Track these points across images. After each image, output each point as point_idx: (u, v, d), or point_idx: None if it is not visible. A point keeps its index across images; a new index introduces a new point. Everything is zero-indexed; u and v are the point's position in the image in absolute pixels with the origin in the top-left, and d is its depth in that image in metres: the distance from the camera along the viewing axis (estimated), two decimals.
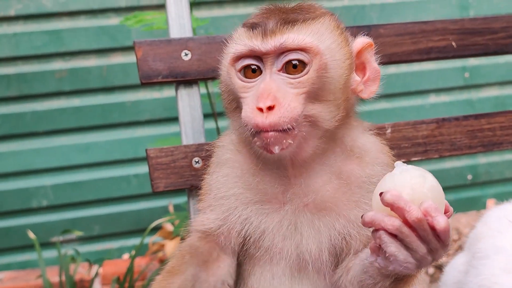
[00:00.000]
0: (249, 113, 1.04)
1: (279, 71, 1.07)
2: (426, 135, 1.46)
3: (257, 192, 1.13)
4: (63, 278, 2.15)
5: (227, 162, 1.17)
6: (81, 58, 2.68)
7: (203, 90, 2.04)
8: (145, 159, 2.66)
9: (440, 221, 0.90)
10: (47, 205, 2.68)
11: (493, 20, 1.53)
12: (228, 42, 1.14)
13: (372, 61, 1.17)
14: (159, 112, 2.75)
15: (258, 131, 1.03)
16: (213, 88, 2.22)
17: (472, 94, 3.05)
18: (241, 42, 1.09)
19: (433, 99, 3.02)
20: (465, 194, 3.07)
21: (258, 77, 1.08)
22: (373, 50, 1.17)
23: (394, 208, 0.90)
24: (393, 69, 2.97)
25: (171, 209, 2.68)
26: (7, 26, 2.61)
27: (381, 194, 0.91)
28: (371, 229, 0.96)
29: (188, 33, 1.40)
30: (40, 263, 2.14)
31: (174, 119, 2.72)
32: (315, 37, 1.08)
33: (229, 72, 1.12)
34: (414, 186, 0.92)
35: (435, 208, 0.91)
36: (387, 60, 1.45)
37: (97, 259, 2.53)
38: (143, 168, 2.72)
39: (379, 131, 1.27)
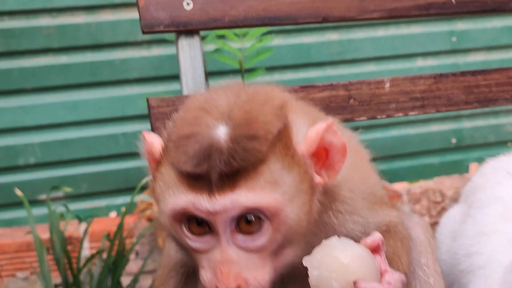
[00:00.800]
0: (209, 286, 0.92)
1: (232, 232, 0.91)
2: (423, 89, 1.48)
3: None
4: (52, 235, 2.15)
5: None
6: (70, 14, 2.65)
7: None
8: (133, 117, 2.70)
9: None
10: (35, 163, 2.67)
11: None
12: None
13: (335, 140, 0.96)
14: (147, 71, 2.74)
15: None
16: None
17: (459, 58, 3.08)
18: (182, 196, 0.91)
19: (420, 63, 3.05)
20: (449, 157, 3.12)
21: (207, 235, 0.92)
22: (333, 127, 0.96)
23: None
24: (381, 31, 2.99)
25: None
26: None
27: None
28: None
29: None
30: (30, 220, 2.14)
31: (162, 78, 2.72)
32: (271, 189, 0.90)
33: (170, 223, 0.94)
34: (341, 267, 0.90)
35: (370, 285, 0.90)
36: (387, 15, 1.46)
37: (84, 217, 2.54)
38: (131, 127, 2.71)
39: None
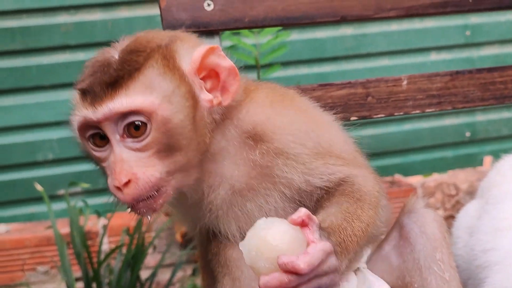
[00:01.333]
0: (111, 189, 1.02)
1: (122, 137, 1.02)
2: (440, 87, 1.49)
3: None
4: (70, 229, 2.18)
5: None
6: (87, 12, 2.68)
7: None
8: None
9: (300, 264, 0.90)
10: (53, 159, 2.70)
11: None
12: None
13: (221, 62, 1.08)
14: None
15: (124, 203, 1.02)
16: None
17: (473, 52, 3.08)
18: (77, 111, 1.04)
19: (434, 57, 3.05)
20: (463, 151, 3.13)
21: (107, 144, 1.04)
22: (218, 51, 1.09)
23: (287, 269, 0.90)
24: (395, 26, 3.00)
25: None
26: None
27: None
28: None
29: None
30: (50, 215, 2.18)
31: None
32: (146, 93, 1.02)
33: (80, 140, 1.07)
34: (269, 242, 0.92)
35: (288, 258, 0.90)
36: (404, 13, 1.47)
37: (102, 211, 2.57)
38: None
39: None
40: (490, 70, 1.52)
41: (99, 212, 2.49)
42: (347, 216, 1.06)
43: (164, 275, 2.50)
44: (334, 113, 1.41)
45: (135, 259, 2.16)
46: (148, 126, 1.02)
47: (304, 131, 1.15)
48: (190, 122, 1.05)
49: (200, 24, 1.38)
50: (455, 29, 3.06)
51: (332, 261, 0.94)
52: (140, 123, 1.01)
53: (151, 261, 2.50)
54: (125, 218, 2.56)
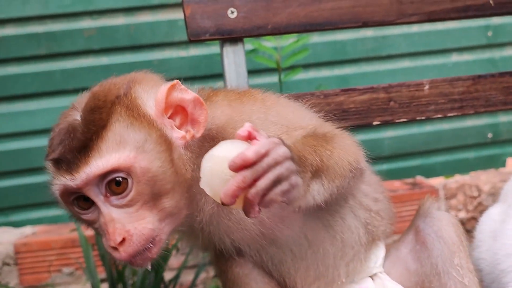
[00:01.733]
0: (107, 249, 1.02)
1: (106, 197, 1.01)
2: (462, 91, 1.50)
3: None
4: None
5: None
6: (109, 16, 2.71)
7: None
8: None
9: (247, 153, 0.86)
10: None
11: None
12: None
13: (185, 96, 1.06)
14: (185, 71, 2.78)
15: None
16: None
17: (495, 53, 3.07)
18: (55, 180, 1.03)
19: (455, 58, 3.04)
20: (485, 152, 3.11)
21: (92, 206, 1.03)
22: (179, 85, 1.06)
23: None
24: (416, 28, 2.99)
25: None
26: None
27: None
28: None
29: None
30: None
31: (200, 78, 2.76)
32: (119, 149, 1.00)
33: (64, 206, 1.06)
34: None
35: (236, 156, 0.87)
36: (426, 18, 1.48)
37: None
38: None
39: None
40: None
41: None
42: (310, 143, 1.03)
43: (187, 277, 2.52)
44: (357, 118, 1.43)
45: (158, 260, 2.18)
46: (129, 180, 1.00)
47: (264, 118, 1.14)
48: (169, 165, 1.03)
49: (224, 32, 1.40)
50: (476, 30, 3.04)
51: (283, 151, 0.90)
52: (120, 179, 1.00)
53: (175, 263, 2.52)
54: None
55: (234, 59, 1.42)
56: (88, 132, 1.00)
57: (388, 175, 2.89)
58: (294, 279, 1.19)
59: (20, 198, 2.71)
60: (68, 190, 1.02)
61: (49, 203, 2.74)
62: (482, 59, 3.06)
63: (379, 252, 1.26)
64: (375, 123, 1.46)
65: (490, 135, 3.11)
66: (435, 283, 1.19)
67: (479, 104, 1.51)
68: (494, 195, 2.80)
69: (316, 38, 2.84)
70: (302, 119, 1.18)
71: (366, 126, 1.46)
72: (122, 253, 1.00)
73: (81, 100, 1.09)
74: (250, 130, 0.89)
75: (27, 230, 2.62)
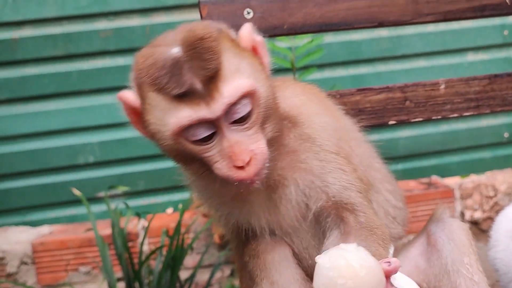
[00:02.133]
0: (228, 171, 1.05)
1: (230, 123, 1.05)
2: (478, 90, 1.50)
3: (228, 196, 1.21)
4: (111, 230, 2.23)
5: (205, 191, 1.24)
6: (125, 17, 2.73)
7: None
8: None
9: None
10: (94, 162, 2.77)
11: None
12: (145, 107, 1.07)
13: (257, 37, 1.13)
14: None
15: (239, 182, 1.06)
16: None
17: (511, 52, 3.05)
18: (181, 114, 1.03)
19: (471, 57, 3.03)
20: (502, 151, 3.10)
21: (208, 135, 1.05)
22: (252, 27, 1.14)
23: None
24: (431, 27, 2.98)
25: None
26: None
27: None
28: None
29: None
30: (90, 217, 2.23)
31: None
32: (240, 76, 1.05)
33: (177, 141, 1.06)
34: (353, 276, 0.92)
35: None
36: (442, 18, 1.48)
37: (142, 212, 2.62)
38: None
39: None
40: None
41: (139, 214, 2.54)
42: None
43: (203, 276, 2.53)
44: (372, 117, 1.44)
45: (174, 260, 2.20)
46: (250, 105, 1.05)
47: (330, 127, 1.20)
48: (271, 92, 1.10)
49: None
50: (492, 28, 3.03)
51: None
52: (243, 104, 1.05)
53: (190, 262, 2.54)
54: (165, 220, 2.61)
55: None
56: (210, 61, 1.02)
57: (404, 175, 2.88)
58: None
59: (37, 197, 2.74)
60: (200, 121, 1.03)
61: (66, 203, 2.76)
62: (498, 58, 3.04)
63: (391, 250, 1.29)
64: (390, 122, 1.47)
65: (506, 135, 3.09)
66: (444, 282, 1.21)
67: (495, 103, 1.50)
68: (511, 195, 2.79)
69: (331, 38, 2.84)
70: (356, 153, 1.25)
71: (382, 126, 1.46)
72: (249, 172, 1.04)
73: (165, 39, 1.08)
74: (393, 269, 0.98)
75: (44, 229, 2.65)
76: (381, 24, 1.45)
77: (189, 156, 1.08)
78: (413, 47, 2.97)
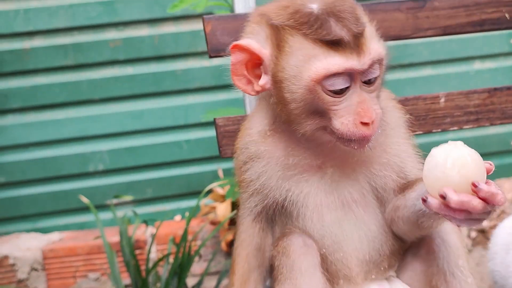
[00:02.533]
0: (351, 127, 1.10)
1: (361, 82, 1.12)
2: (478, 104, 1.52)
3: (295, 168, 1.21)
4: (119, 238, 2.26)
5: (261, 155, 1.23)
6: (134, 28, 2.77)
7: None
8: (195, 125, 2.79)
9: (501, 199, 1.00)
10: (103, 169, 2.80)
11: None
12: (287, 49, 1.11)
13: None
14: (208, 80, 2.82)
15: (359, 139, 1.11)
16: None
17: None
18: (332, 61, 1.08)
19: (477, 65, 3.03)
20: (508, 159, 3.10)
21: (341, 88, 1.10)
22: None
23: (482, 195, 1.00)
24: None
25: (220, 174, 2.78)
26: None
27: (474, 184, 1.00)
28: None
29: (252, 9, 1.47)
30: (98, 225, 2.26)
31: (223, 87, 2.79)
32: (378, 41, 1.16)
33: (312, 88, 1.10)
34: (462, 167, 1.02)
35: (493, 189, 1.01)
36: (441, 32, 1.50)
37: (149, 220, 2.65)
38: (193, 134, 2.82)
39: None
40: None
41: (146, 221, 2.57)
42: None
43: (210, 283, 2.56)
44: None
45: (182, 267, 2.22)
46: (379, 70, 1.13)
47: (402, 119, 1.30)
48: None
49: None
50: (498, 37, 3.03)
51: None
52: (375, 68, 1.12)
53: (197, 269, 2.57)
54: (172, 227, 2.63)
55: None
56: (359, 19, 1.11)
57: None
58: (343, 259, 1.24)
59: (47, 205, 2.78)
60: (346, 70, 1.08)
61: (76, 210, 2.79)
62: (505, 67, 3.04)
63: None
64: None
65: None
66: (440, 281, 1.24)
67: (494, 116, 1.53)
68: None
69: None
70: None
71: None
72: (371, 130, 1.10)
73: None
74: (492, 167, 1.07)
75: (54, 236, 2.68)
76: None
77: (314, 107, 1.12)
78: (419, 55, 2.98)
